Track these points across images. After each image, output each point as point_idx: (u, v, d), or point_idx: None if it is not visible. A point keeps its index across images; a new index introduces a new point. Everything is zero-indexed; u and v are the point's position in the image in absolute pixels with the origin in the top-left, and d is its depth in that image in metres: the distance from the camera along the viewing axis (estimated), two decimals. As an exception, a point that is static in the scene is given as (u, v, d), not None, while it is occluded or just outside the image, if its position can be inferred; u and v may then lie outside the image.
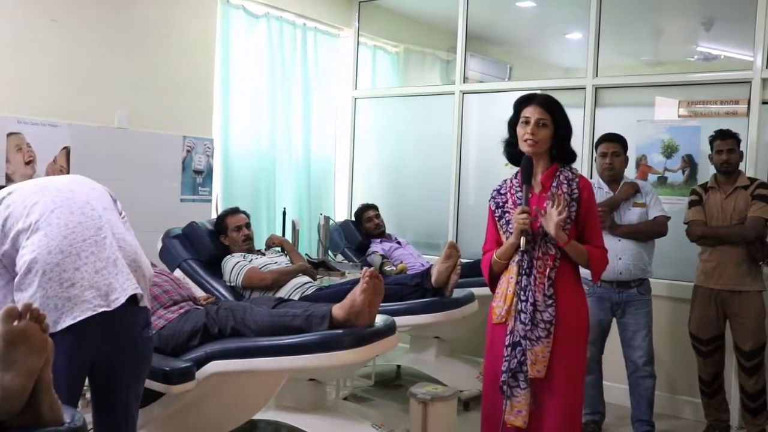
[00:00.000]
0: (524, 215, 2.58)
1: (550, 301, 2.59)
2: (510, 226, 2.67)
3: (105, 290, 2.11)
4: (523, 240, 2.59)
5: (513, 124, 2.74)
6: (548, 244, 2.62)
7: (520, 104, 2.71)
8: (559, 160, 2.72)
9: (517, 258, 2.65)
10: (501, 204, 2.75)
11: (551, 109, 2.67)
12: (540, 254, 2.62)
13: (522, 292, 2.61)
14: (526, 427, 2.60)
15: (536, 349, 2.58)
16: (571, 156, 2.74)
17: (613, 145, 3.79)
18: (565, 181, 2.67)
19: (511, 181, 2.78)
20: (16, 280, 2.06)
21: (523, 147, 2.67)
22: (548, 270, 2.61)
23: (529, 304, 2.59)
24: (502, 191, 2.78)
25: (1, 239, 2.13)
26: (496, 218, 2.77)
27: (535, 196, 2.68)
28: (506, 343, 2.63)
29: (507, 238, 2.69)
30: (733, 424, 3.90)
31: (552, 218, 2.57)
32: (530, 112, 2.66)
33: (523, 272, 2.62)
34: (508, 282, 2.68)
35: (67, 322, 2.02)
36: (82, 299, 2.06)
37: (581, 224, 2.67)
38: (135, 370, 2.27)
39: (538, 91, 2.77)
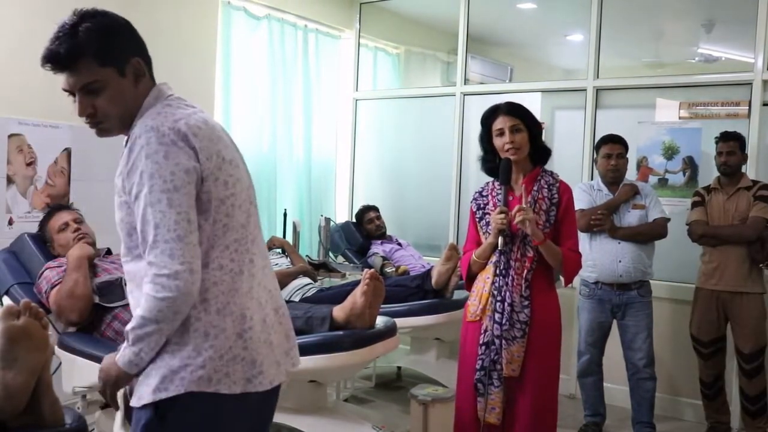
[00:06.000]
0: (502, 215, 2.63)
1: (526, 302, 2.65)
2: (489, 227, 2.72)
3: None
4: (500, 240, 2.64)
5: (484, 138, 2.80)
6: (526, 246, 2.68)
7: (488, 119, 2.77)
8: (538, 161, 2.78)
9: (494, 258, 2.70)
10: (482, 206, 2.82)
11: (519, 113, 2.72)
12: (518, 256, 2.68)
13: (497, 292, 2.67)
14: (501, 423, 2.67)
15: (512, 348, 2.64)
16: (547, 151, 2.80)
17: (618, 146, 3.80)
18: (546, 186, 2.73)
19: (493, 184, 2.84)
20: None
21: (506, 156, 2.72)
22: (525, 272, 2.67)
23: (506, 304, 2.65)
24: (484, 193, 2.85)
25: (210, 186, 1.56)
26: (477, 219, 2.83)
27: (516, 200, 2.72)
28: (480, 342, 2.69)
29: (486, 239, 2.74)
30: (733, 426, 3.90)
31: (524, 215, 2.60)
32: (501, 123, 2.71)
33: (500, 273, 2.68)
34: (484, 282, 2.74)
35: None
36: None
37: (557, 225, 2.72)
38: None
39: (502, 102, 2.80)
